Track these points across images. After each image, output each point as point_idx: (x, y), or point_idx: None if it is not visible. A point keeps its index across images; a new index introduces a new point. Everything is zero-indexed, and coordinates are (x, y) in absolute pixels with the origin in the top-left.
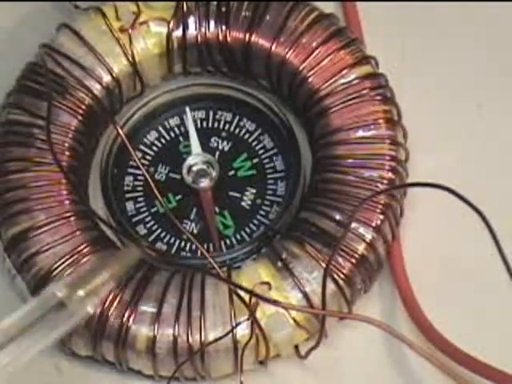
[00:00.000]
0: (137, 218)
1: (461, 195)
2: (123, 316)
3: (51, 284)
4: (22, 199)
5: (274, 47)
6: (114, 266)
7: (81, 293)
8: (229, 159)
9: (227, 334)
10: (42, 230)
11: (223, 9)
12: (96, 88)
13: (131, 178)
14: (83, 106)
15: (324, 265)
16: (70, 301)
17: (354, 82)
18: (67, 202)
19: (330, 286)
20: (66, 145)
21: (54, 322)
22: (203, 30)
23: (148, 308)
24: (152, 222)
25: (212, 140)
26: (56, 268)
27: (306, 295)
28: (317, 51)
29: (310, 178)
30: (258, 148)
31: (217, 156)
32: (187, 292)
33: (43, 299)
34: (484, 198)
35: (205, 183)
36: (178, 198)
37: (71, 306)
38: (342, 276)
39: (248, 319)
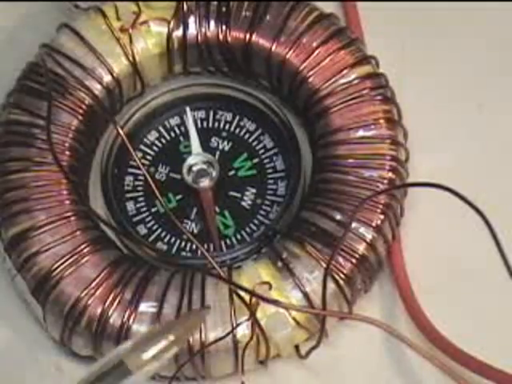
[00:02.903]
0: (137, 218)
1: (461, 195)
2: (124, 316)
3: (119, 346)
4: (22, 199)
5: (274, 47)
6: (179, 330)
7: (144, 357)
8: (229, 159)
9: (228, 334)
10: (42, 229)
11: (223, 9)
12: (96, 88)
13: (131, 178)
14: (83, 106)
15: (324, 265)
16: (132, 364)
17: (355, 81)
18: (67, 202)
19: (331, 285)
20: (67, 145)
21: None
22: (203, 29)
23: (148, 308)
24: (152, 222)
25: (212, 140)
26: (56, 268)
27: (306, 295)
28: (317, 51)
29: (310, 178)
30: (258, 148)
31: (217, 156)
32: (187, 292)
33: (108, 359)
34: (484, 198)
35: (205, 183)
36: (179, 197)
37: (132, 368)
38: (342, 276)
39: (248, 319)
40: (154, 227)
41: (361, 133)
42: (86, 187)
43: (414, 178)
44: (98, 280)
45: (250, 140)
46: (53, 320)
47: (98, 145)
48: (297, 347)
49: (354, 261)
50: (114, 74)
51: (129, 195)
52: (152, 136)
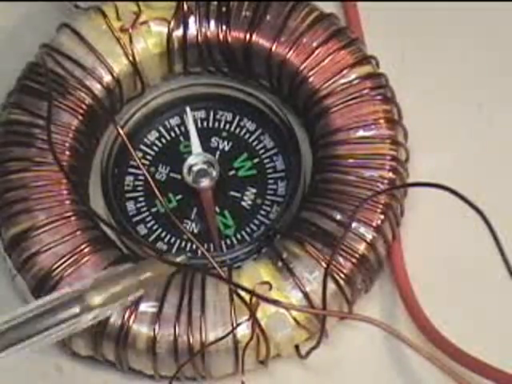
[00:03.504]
0: (137, 218)
1: (461, 195)
2: (124, 316)
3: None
4: (23, 199)
5: (274, 47)
6: (146, 273)
7: (101, 295)
8: (229, 159)
9: (228, 334)
10: (43, 229)
11: (224, 9)
12: (96, 88)
13: (132, 178)
14: (84, 106)
15: (324, 265)
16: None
17: (355, 81)
18: (67, 202)
19: (331, 285)
20: (67, 145)
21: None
22: (204, 29)
23: (148, 308)
24: (152, 222)
25: (212, 140)
26: (56, 268)
27: (306, 295)
28: (317, 51)
29: (310, 178)
30: (258, 148)
31: (217, 156)
32: (188, 292)
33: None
34: (484, 198)
35: (205, 183)
36: (179, 197)
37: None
38: (342, 276)
39: (249, 319)
40: (154, 227)
41: (361, 133)
42: (87, 187)
43: (414, 178)
44: None
45: (250, 140)
46: None
47: (98, 145)
48: (297, 347)
49: (354, 261)
50: (114, 74)
51: (129, 195)
52: (152, 136)
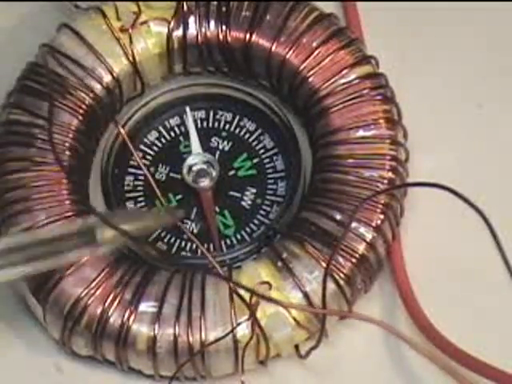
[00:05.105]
0: None
1: (461, 195)
2: (124, 316)
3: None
4: (22, 199)
5: (274, 47)
6: (150, 220)
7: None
8: (229, 159)
9: (228, 334)
10: None
11: (223, 9)
12: (96, 88)
13: (131, 178)
14: (84, 106)
15: (324, 264)
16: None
17: (355, 81)
18: (67, 202)
19: (331, 285)
20: (67, 144)
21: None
22: (203, 29)
23: (148, 308)
24: None
25: (212, 140)
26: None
27: (306, 295)
28: (317, 51)
29: (310, 178)
30: (258, 148)
31: (217, 156)
32: (187, 292)
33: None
34: (484, 198)
35: (205, 183)
36: (179, 197)
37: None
38: (342, 276)
39: (248, 319)
40: None
41: (361, 133)
42: (86, 187)
43: (414, 178)
44: (97, 280)
45: (250, 140)
46: (53, 320)
47: (97, 145)
48: (297, 347)
49: (354, 261)
50: (114, 74)
51: (129, 195)
52: (152, 136)
